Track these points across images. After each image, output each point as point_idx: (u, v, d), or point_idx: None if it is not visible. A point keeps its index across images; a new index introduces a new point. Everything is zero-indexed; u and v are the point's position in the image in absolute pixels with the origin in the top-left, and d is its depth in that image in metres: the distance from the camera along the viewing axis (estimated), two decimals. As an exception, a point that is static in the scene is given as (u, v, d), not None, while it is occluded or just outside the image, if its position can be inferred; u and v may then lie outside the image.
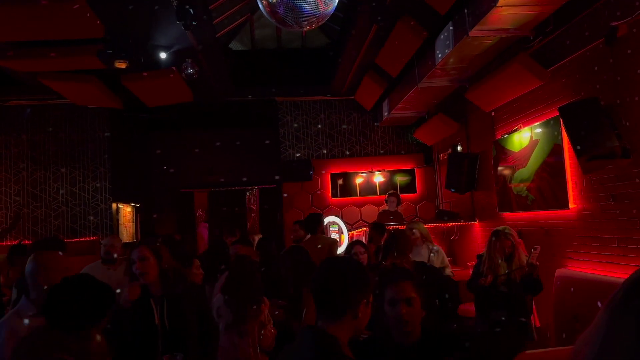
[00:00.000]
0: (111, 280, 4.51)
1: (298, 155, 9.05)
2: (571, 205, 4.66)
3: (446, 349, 2.10)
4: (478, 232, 7.00)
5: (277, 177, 9.19)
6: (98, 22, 4.91)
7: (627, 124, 3.89)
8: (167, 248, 3.28)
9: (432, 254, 4.93)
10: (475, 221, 7.04)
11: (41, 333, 1.83)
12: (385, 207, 7.86)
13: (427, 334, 2.15)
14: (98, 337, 2.03)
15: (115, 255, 4.65)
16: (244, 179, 9.87)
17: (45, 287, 2.48)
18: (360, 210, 8.93)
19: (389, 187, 8.94)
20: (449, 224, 7.38)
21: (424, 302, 2.18)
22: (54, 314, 1.97)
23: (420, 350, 2.09)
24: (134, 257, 2.97)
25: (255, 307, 3.56)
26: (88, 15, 4.74)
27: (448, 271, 5.09)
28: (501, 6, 4.19)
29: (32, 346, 1.79)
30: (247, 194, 10.84)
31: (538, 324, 5.16)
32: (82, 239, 8.03)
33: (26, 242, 7.37)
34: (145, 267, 2.95)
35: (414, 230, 5.17)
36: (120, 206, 8.70)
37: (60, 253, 2.78)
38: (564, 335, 4.42)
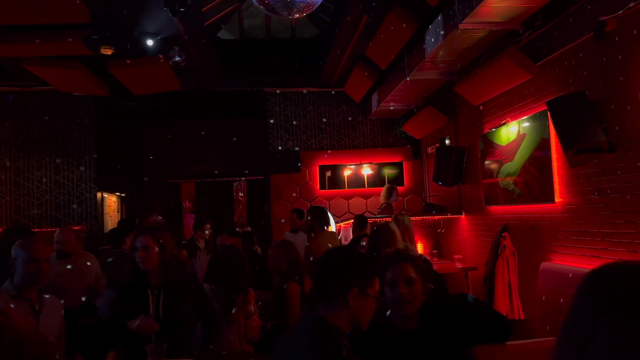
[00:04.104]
0: (67, 277, 4.26)
1: (286, 146, 9.01)
2: (557, 199, 4.69)
3: (446, 334, 2.09)
4: (464, 225, 7.03)
5: (265, 169, 9.15)
6: (84, 6, 4.82)
7: (614, 118, 3.92)
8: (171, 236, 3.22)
9: None
10: (462, 214, 7.07)
11: None
12: (377, 199, 7.89)
13: (425, 320, 2.13)
14: None
15: (70, 251, 4.36)
16: (232, 170, 9.80)
17: (21, 273, 2.65)
18: (348, 203, 8.93)
19: (377, 179, 8.94)
20: (436, 217, 7.41)
21: (425, 287, 2.18)
22: None
23: (419, 336, 2.08)
24: (137, 245, 2.93)
25: (241, 296, 3.55)
26: (73, -1, 4.65)
27: None
28: (492, -2, 4.19)
29: None
30: (235, 185, 10.79)
31: (523, 317, 5.21)
32: (66, 228, 7.92)
33: None
34: (148, 256, 2.92)
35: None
36: (105, 195, 8.60)
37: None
38: (548, 328, 4.46)
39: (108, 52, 5.50)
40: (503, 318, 2.27)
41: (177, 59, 6.21)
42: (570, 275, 4.27)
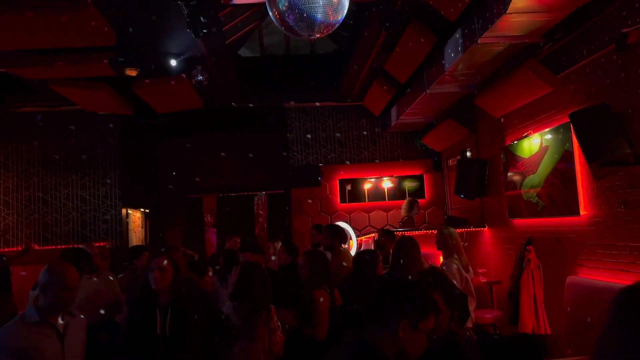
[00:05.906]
0: (94, 291, 4.41)
1: (306, 160, 9.07)
2: (582, 212, 4.63)
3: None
4: (488, 238, 6.96)
5: (285, 183, 9.21)
6: (110, 30, 4.97)
7: (639, 130, 3.87)
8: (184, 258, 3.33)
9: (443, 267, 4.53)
10: (485, 227, 7.00)
11: None
12: (398, 212, 7.90)
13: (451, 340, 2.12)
14: None
15: (97, 265, 4.73)
16: (253, 185, 9.89)
17: (52, 300, 2.56)
18: (369, 216, 8.92)
19: (397, 192, 8.93)
20: (458, 230, 7.33)
21: (452, 317, 2.16)
22: None
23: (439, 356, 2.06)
24: (154, 266, 3.01)
25: (264, 313, 3.57)
26: (100, 23, 4.79)
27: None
28: (511, 13, 4.18)
29: None
30: (255, 199, 10.86)
31: (549, 332, 5.12)
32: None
33: (35, 246, 7.42)
34: (162, 277, 3.00)
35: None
36: (129, 212, 8.75)
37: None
38: (575, 344, 4.38)
39: (133, 73, 5.65)
40: (533, 339, 2.25)
41: (200, 78, 6.34)
42: (597, 289, 4.19)
